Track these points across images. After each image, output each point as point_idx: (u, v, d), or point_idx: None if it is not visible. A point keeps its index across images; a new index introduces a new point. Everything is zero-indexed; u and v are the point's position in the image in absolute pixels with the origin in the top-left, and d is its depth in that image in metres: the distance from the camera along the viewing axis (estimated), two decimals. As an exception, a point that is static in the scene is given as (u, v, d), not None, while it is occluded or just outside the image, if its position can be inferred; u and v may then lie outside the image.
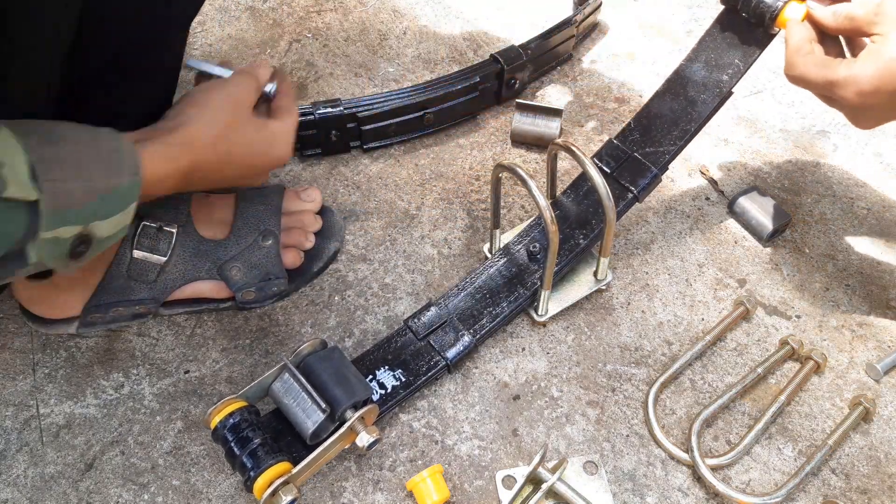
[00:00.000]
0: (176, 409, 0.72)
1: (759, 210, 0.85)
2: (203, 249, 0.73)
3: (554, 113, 0.93)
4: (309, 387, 0.63)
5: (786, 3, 0.71)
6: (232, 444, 0.61)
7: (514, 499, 0.65)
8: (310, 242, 0.79)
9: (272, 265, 0.75)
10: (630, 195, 0.77)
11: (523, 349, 0.77)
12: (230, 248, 0.74)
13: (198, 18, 1.12)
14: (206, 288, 0.74)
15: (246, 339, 0.77)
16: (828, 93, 0.68)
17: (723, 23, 0.78)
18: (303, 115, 0.89)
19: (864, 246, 0.85)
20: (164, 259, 0.70)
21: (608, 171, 0.79)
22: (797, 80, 0.69)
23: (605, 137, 0.96)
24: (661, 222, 0.88)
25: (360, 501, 0.67)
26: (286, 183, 0.91)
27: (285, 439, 0.65)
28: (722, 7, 0.77)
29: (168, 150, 0.58)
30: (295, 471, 0.60)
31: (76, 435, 0.71)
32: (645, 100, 1.00)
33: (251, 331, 0.78)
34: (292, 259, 0.77)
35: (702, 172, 0.92)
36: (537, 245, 0.77)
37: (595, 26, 1.10)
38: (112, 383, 0.74)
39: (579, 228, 0.78)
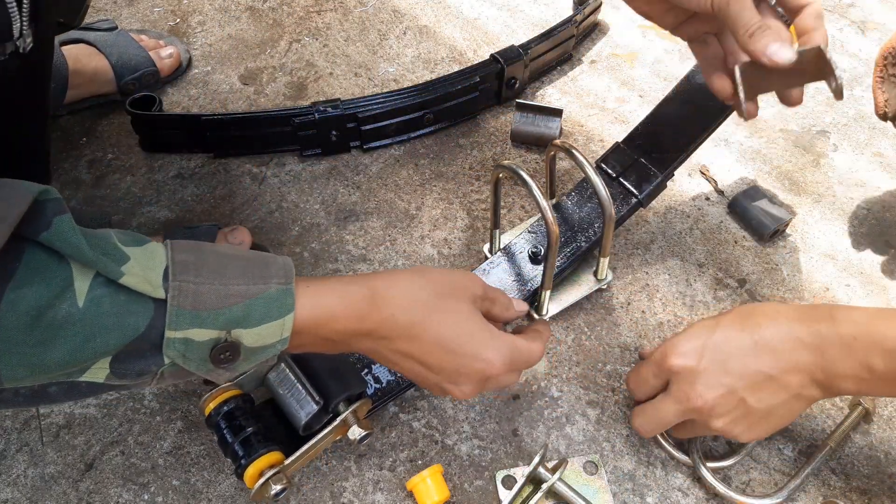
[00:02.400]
0: (176, 409, 0.72)
1: (759, 210, 0.85)
2: None
3: (554, 113, 0.93)
4: (304, 378, 0.63)
5: (789, 27, 0.71)
6: (225, 432, 0.61)
7: (514, 499, 0.65)
8: None
9: None
10: (634, 200, 0.78)
11: (523, 349, 0.77)
12: None
13: (198, 18, 1.12)
14: None
15: (246, 339, 0.77)
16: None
17: None
18: (303, 115, 0.89)
19: (864, 246, 0.85)
20: None
21: (613, 174, 0.79)
22: None
23: (605, 137, 0.96)
24: (661, 222, 0.88)
25: (360, 501, 0.67)
26: (285, 183, 0.91)
27: (278, 429, 0.64)
28: None
29: (346, 288, 0.51)
30: (287, 461, 0.60)
31: (76, 435, 0.71)
32: (645, 100, 1.01)
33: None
34: None
35: (702, 172, 0.92)
36: (538, 245, 0.77)
37: (595, 26, 1.10)
38: (112, 383, 0.74)
39: (581, 231, 0.78)
